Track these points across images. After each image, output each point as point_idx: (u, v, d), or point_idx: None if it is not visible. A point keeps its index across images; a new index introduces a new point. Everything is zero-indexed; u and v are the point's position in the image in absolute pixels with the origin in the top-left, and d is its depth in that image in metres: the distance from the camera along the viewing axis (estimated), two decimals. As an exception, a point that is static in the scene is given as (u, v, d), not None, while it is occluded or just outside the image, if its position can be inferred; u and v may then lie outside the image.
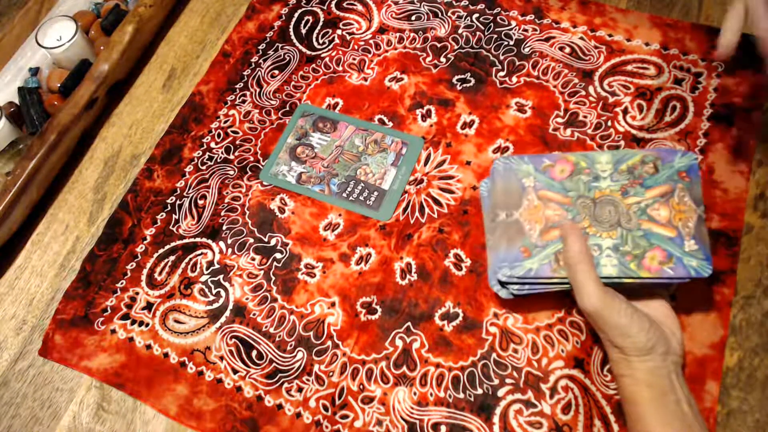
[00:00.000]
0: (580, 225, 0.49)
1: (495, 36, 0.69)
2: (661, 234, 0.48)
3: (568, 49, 0.67)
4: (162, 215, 0.65)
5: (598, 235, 0.49)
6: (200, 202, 0.65)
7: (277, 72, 0.72)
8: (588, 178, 0.51)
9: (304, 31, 0.75)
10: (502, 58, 0.68)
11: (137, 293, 0.61)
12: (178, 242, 0.63)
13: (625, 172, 0.50)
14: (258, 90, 0.71)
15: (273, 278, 0.60)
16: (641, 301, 0.48)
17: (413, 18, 0.73)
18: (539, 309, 0.54)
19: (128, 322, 0.59)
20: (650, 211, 0.49)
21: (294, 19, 0.76)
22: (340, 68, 0.71)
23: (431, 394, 0.52)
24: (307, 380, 0.54)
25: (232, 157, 0.67)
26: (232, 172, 0.66)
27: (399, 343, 0.55)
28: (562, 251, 0.48)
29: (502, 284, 0.51)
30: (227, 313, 0.58)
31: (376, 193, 0.62)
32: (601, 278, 0.46)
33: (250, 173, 0.66)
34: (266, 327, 0.57)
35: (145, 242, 0.63)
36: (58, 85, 0.70)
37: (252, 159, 0.67)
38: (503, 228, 0.52)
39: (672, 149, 0.50)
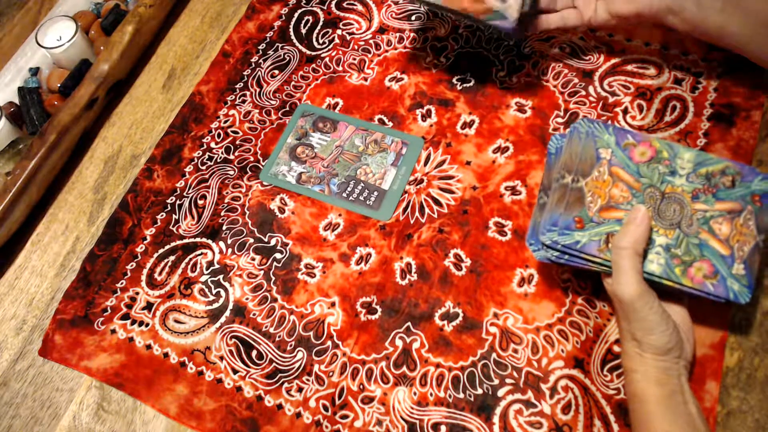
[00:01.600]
0: None
1: (495, 36, 0.69)
2: (716, 249, 0.47)
3: (568, 49, 0.67)
4: (162, 215, 0.65)
5: (655, 230, 0.47)
6: (200, 202, 0.65)
7: (277, 72, 0.72)
8: (665, 170, 0.49)
9: (304, 31, 0.75)
10: (502, 58, 0.68)
11: (137, 293, 0.61)
12: (178, 242, 0.63)
13: (702, 176, 0.48)
14: (258, 90, 0.71)
15: (273, 278, 0.60)
16: (665, 302, 0.48)
17: (413, 18, 0.73)
18: (539, 309, 0.54)
19: (128, 322, 0.59)
20: (713, 223, 0.47)
21: (294, 19, 0.76)
22: (340, 68, 0.71)
23: (431, 394, 0.52)
24: (307, 380, 0.54)
25: (232, 157, 0.67)
26: (232, 172, 0.66)
27: (399, 343, 0.55)
28: (619, 233, 0.47)
29: (542, 245, 0.50)
30: (227, 313, 0.58)
31: (376, 193, 0.62)
32: (646, 274, 0.46)
33: (250, 173, 0.66)
34: (266, 327, 0.57)
35: (145, 242, 0.63)
36: (58, 85, 0.70)
37: (252, 159, 0.67)
38: (564, 191, 0.49)
39: (754, 169, 0.48)
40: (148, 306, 0.60)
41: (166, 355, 0.57)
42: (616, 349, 0.52)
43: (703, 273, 0.46)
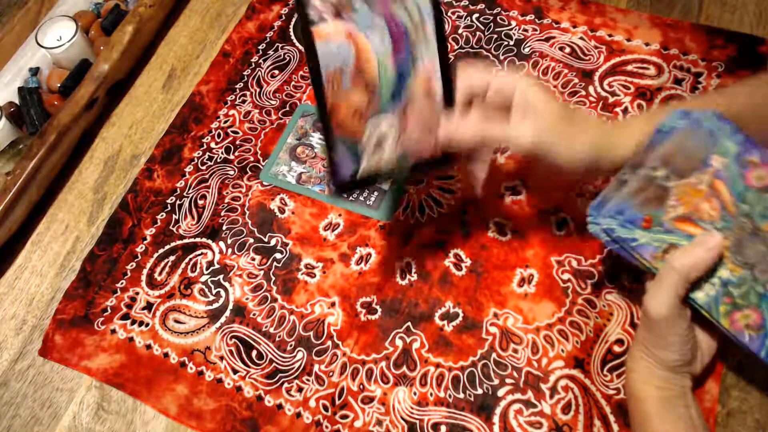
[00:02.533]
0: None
1: (495, 36, 0.69)
2: None
3: (568, 49, 0.67)
4: (162, 215, 0.65)
5: (724, 261, 0.43)
6: (200, 202, 0.65)
7: (277, 72, 0.72)
8: None
9: (304, 31, 0.74)
10: (502, 58, 0.68)
11: (137, 293, 0.61)
12: (178, 242, 0.63)
13: None
14: (258, 90, 0.71)
15: (273, 278, 0.60)
16: (699, 325, 0.46)
17: (413, 18, 0.73)
18: (539, 309, 0.54)
19: (128, 322, 0.59)
20: None
21: (294, 19, 0.76)
22: (340, 68, 0.71)
23: (431, 394, 0.52)
24: (307, 380, 0.54)
25: (232, 157, 0.67)
26: (232, 172, 0.66)
27: (399, 343, 0.55)
28: (681, 251, 0.42)
29: (599, 223, 0.46)
30: (227, 313, 0.58)
31: (376, 193, 0.62)
32: (688, 296, 0.43)
33: (250, 173, 0.66)
34: (266, 327, 0.57)
35: (145, 242, 0.63)
36: (58, 85, 0.70)
37: (252, 159, 0.67)
38: (648, 184, 0.45)
39: None
40: (148, 306, 0.60)
41: (166, 355, 0.57)
42: (616, 349, 0.52)
43: (747, 322, 0.43)
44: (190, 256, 0.62)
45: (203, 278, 0.60)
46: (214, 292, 0.60)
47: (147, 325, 0.59)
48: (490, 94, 0.45)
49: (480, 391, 0.52)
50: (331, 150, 0.43)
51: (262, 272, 0.60)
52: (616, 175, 0.47)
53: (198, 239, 0.63)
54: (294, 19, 0.76)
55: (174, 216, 0.65)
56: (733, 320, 0.43)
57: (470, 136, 0.44)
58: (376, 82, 0.43)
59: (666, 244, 0.43)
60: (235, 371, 0.56)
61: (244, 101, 0.71)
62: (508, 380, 0.52)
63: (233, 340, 0.57)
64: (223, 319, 0.58)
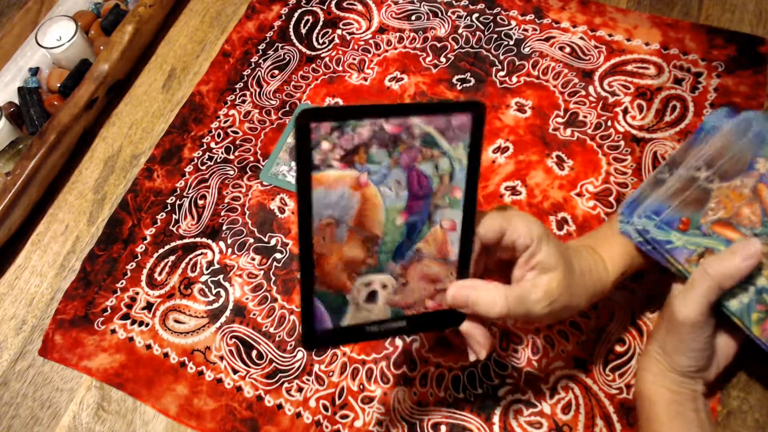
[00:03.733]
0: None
1: (495, 36, 0.69)
2: None
3: (568, 49, 0.67)
4: (162, 215, 0.65)
5: (761, 269, 0.41)
6: (200, 202, 0.65)
7: (277, 72, 0.72)
8: None
9: (304, 31, 0.74)
10: (502, 57, 0.68)
11: (137, 293, 0.61)
12: (178, 242, 0.63)
13: None
14: (258, 90, 0.71)
15: (273, 278, 0.60)
16: (722, 330, 0.45)
17: (413, 18, 0.73)
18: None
19: (128, 322, 0.59)
20: None
21: (294, 19, 0.76)
22: (340, 68, 0.71)
23: (431, 394, 0.52)
24: (307, 380, 0.54)
25: (232, 157, 0.67)
26: (232, 172, 0.66)
27: (399, 343, 0.55)
28: (717, 256, 0.41)
29: (632, 222, 0.45)
30: (227, 313, 0.58)
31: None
32: (719, 303, 0.41)
33: (250, 173, 0.66)
34: (266, 327, 0.57)
35: (145, 242, 0.63)
36: (58, 85, 0.70)
37: (252, 159, 0.67)
38: (688, 185, 0.43)
39: None
40: (148, 306, 0.60)
41: (166, 355, 0.57)
42: (618, 349, 0.52)
43: None
44: (190, 256, 0.62)
45: (203, 278, 0.60)
46: (214, 292, 0.60)
47: (147, 325, 0.59)
48: (503, 244, 0.40)
49: (480, 391, 0.52)
50: (306, 302, 0.37)
51: (262, 272, 0.60)
52: (652, 174, 0.46)
53: (198, 239, 0.63)
54: (293, 19, 0.76)
55: (174, 216, 0.64)
56: (764, 328, 0.42)
57: (489, 304, 0.38)
58: (378, 238, 0.38)
59: (702, 248, 0.42)
60: (235, 371, 0.56)
61: (244, 101, 0.71)
62: (508, 380, 0.52)
63: (233, 340, 0.57)
64: (223, 319, 0.58)
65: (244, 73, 0.73)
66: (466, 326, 0.40)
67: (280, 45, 0.74)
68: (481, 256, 0.40)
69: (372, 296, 0.38)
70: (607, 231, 0.48)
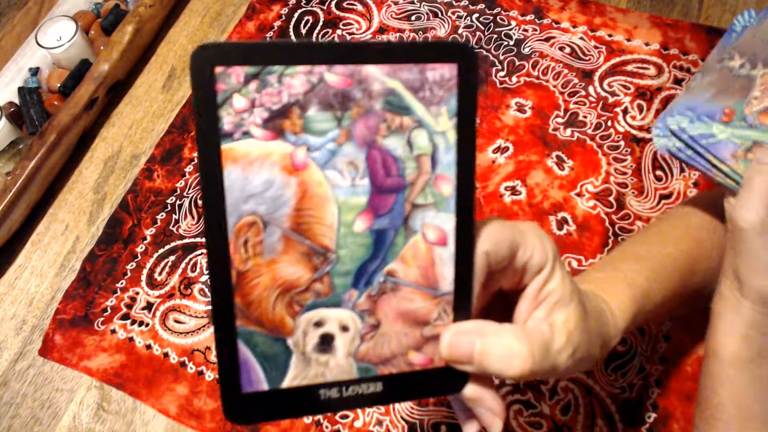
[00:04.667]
0: None
1: (495, 36, 0.69)
2: None
3: (568, 49, 0.67)
4: (162, 215, 0.65)
5: None
6: (200, 202, 0.65)
7: (277, 72, 0.72)
8: None
9: (304, 31, 0.74)
10: (502, 58, 0.68)
11: (137, 293, 0.61)
12: (178, 242, 0.63)
13: None
14: (258, 90, 0.71)
15: (273, 278, 0.59)
16: None
17: (413, 18, 0.73)
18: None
19: (128, 322, 0.59)
20: None
21: (294, 19, 0.76)
22: (340, 68, 0.71)
23: (431, 394, 0.52)
24: (307, 380, 0.54)
25: (232, 157, 0.67)
26: (232, 172, 0.66)
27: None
28: (767, 148, 0.36)
29: (668, 131, 0.40)
30: (227, 313, 0.58)
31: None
32: None
33: (250, 173, 0.66)
34: (266, 327, 0.57)
35: (145, 242, 0.63)
36: (58, 85, 0.70)
37: (252, 159, 0.67)
38: (724, 75, 0.39)
39: None
40: (148, 306, 0.60)
41: (166, 355, 0.57)
42: (619, 348, 0.52)
43: None
44: (190, 256, 0.62)
45: (203, 278, 0.60)
46: (214, 292, 0.60)
47: (147, 325, 0.59)
48: (513, 267, 0.29)
49: (480, 391, 0.52)
50: (223, 347, 0.24)
51: (262, 272, 0.60)
52: (685, 86, 0.40)
53: (198, 239, 0.63)
54: (293, 19, 0.76)
55: (174, 216, 0.65)
56: None
57: (506, 358, 0.27)
58: (328, 252, 0.25)
59: (749, 142, 0.37)
60: (235, 371, 0.56)
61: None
62: (508, 381, 0.52)
63: (233, 340, 0.57)
64: (223, 319, 0.58)
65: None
66: (471, 391, 0.28)
67: (280, 45, 0.74)
68: (483, 287, 0.28)
69: (326, 342, 0.26)
70: (609, 273, 0.40)
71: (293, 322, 0.25)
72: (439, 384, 0.27)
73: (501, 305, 0.31)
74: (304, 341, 0.25)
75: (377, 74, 0.24)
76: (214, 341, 0.24)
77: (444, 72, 0.25)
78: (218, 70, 0.23)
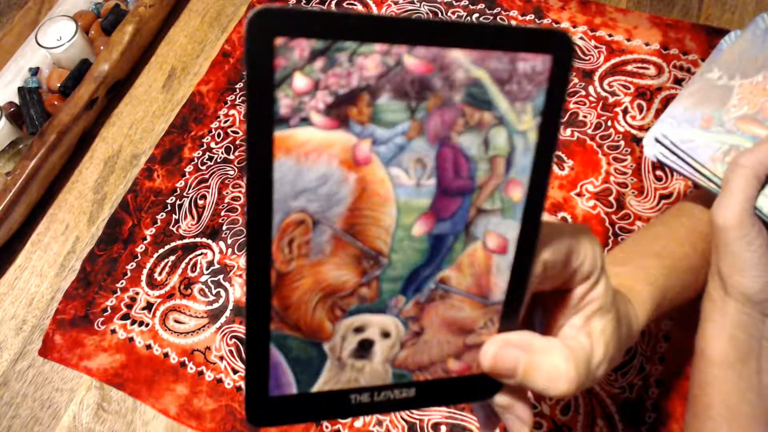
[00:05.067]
0: None
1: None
2: None
3: (568, 49, 0.67)
4: (162, 215, 0.65)
5: None
6: (200, 202, 0.65)
7: (277, 72, 0.72)
8: None
9: (304, 31, 0.74)
10: (502, 58, 0.68)
11: (137, 293, 0.61)
12: (178, 242, 0.63)
13: None
14: (258, 90, 0.71)
15: (273, 278, 0.59)
16: None
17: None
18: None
19: (128, 322, 0.59)
20: None
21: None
22: (340, 68, 0.71)
23: (431, 394, 0.52)
24: (307, 380, 0.54)
25: (232, 157, 0.67)
26: (232, 172, 0.66)
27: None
28: (746, 150, 0.37)
29: (655, 139, 0.42)
30: (227, 313, 0.58)
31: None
32: (755, 207, 0.37)
33: (250, 173, 0.66)
34: (266, 327, 0.57)
35: (145, 242, 0.63)
36: (58, 85, 0.70)
37: (252, 159, 0.67)
38: (703, 86, 0.41)
39: None
40: (148, 306, 0.60)
41: (166, 355, 0.57)
42: (616, 349, 0.52)
43: None
44: (190, 256, 0.62)
45: (203, 278, 0.60)
46: (214, 292, 0.60)
47: (147, 325, 0.59)
48: (565, 274, 0.27)
49: (480, 391, 0.52)
50: (255, 352, 0.23)
51: (262, 272, 0.60)
52: (685, 85, 0.43)
53: (198, 239, 0.63)
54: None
55: (174, 216, 0.64)
56: None
57: (552, 376, 0.25)
58: (381, 255, 0.23)
59: (726, 146, 0.39)
60: (235, 371, 0.56)
61: (244, 101, 0.71)
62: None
63: (233, 340, 0.57)
64: (223, 319, 0.58)
65: (245, 73, 0.73)
66: (504, 399, 0.27)
67: (280, 45, 0.74)
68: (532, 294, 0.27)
69: (364, 348, 0.24)
70: (629, 269, 0.40)
71: (332, 327, 0.24)
72: (472, 390, 0.26)
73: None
74: (342, 346, 0.24)
75: (463, 61, 0.21)
76: (245, 342, 0.23)
77: (536, 64, 0.22)
78: (279, 41, 0.19)
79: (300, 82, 0.20)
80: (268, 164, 0.20)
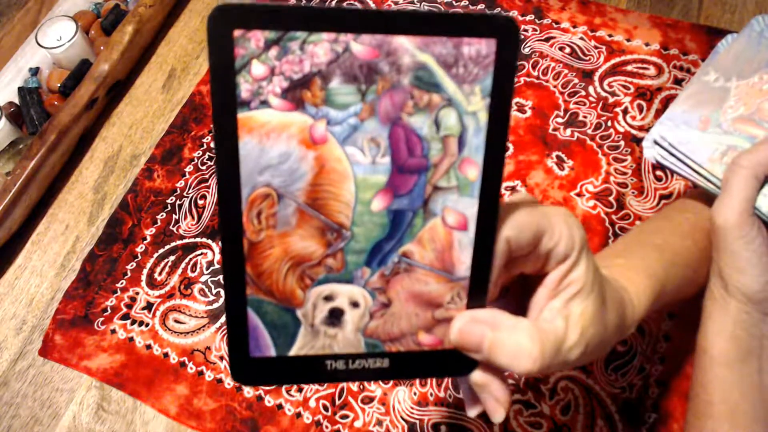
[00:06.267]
0: None
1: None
2: None
3: (568, 49, 0.67)
4: (162, 215, 0.65)
5: None
6: (200, 202, 0.65)
7: (277, 72, 0.72)
8: None
9: (304, 31, 0.74)
10: (502, 58, 0.68)
11: (137, 293, 0.61)
12: (178, 242, 0.63)
13: None
14: (258, 90, 0.71)
15: (273, 278, 0.59)
16: None
17: (413, 18, 0.73)
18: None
19: (128, 322, 0.59)
20: None
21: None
22: (340, 68, 0.71)
23: (431, 394, 0.52)
24: (307, 380, 0.54)
25: (232, 157, 0.67)
26: (232, 172, 0.66)
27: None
28: (745, 150, 0.38)
29: (654, 141, 0.43)
30: (227, 313, 0.58)
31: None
32: (755, 207, 0.37)
33: (250, 173, 0.66)
34: (266, 327, 0.57)
35: (145, 242, 0.63)
36: (58, 85, 0.70)
37: (252, 159, 0.67)
38: (701, 88, 0.42)
39: None
40: (148, 306, 0.60)
41: (166, 355, 0.57)
42: (619, 348, 0.52)
43: None
44: (190, 256, 0.62)
45: (203, 278, 0.60)
46: (214, 292, 0.60)
47: (147, 325, 0.59)
48: (537, 254, 0.27)
49: (480, 391, 0.52)
50: (234, 314, 0.25)
51: (262, 272, 0.60)
52: (684, 85, 0.43)
53: (198, 239, 0.63)
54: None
55: (174, 216, 0.65)
56: None
57: (515, 354, 0.26)
58: (343, 229, 0.25)
59: (724, 146, 0.40)
60: (235, 371, 0.56)
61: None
62: (508, 381, 0.52)
63: (233, 340, 0.57)
64: (223, 319, 0.58)
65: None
66: (479, 376, 0.28)
67: (280, 45, 0.74)
68: (502, 271, 0.27)
69: (335, 316, 0.26)
70: (629, 260, 0.39)
71: (303, 295, 0.26)
72: (446, 365, 0.28)
73: (520, 285, 0.31)
74: (314, 314, 0.26)
75: (408, 46, 0.23)
76: (225, 309, 0.25)
77: (481, 48, 0.23)
78: (237, 33, 0.22)
79: (257, 68, 0.23)
80: (234, 143, 0.23)
